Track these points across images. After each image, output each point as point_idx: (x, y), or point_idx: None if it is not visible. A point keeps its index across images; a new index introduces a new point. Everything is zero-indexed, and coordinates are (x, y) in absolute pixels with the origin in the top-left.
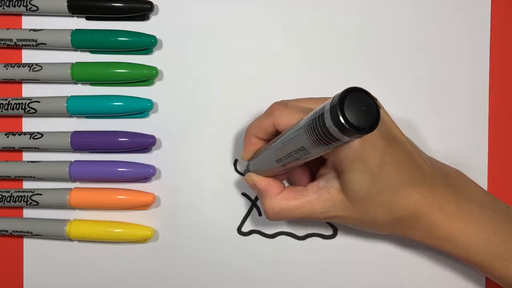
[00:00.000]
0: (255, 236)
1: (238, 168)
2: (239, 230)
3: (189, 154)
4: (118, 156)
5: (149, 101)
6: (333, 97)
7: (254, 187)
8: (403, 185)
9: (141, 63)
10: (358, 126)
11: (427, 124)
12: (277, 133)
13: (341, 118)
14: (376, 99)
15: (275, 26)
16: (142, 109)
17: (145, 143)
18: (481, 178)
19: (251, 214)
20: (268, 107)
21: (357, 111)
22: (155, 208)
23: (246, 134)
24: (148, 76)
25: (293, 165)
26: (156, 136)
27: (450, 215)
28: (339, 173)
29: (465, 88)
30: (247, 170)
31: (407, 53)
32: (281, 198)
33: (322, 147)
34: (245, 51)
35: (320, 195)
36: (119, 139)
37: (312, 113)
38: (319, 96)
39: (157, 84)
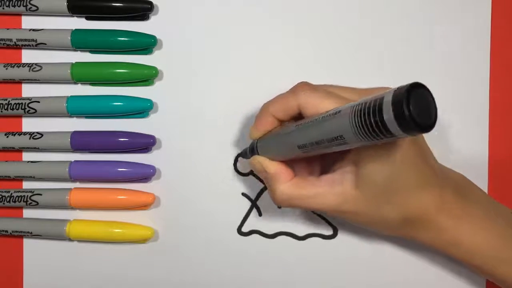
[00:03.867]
0: (255, 236)
1: (238, 168)
2: (239, 230)
3: (189, 154)
4: (118, 156)
5: (149, 101)
6: (396, 90)
7: (263, 172)
8: (417, 185)
9: (141, 63)
10: (420, 123)
11: None
12: (299, 116)
13: (406, 112)
14: (434, 99)
15: (275, 26)
16: (142, 109)
17: (145, 143)
18: (481, 179)
19: (251, 214)
20: (292, 87)
21: (419, 107)
22: (155, 208)
23: (262, 112)
24: (148, 76)
25: (315, 153)
26: (156, 136)
27: (456, 218)
28: (358, 166)
29: (465, 88)
30: (252, 149)
31: (407, 52)
32: (292, 184)
33: (366, 140)
34: (245, 51)
35: (334, 188)
36: (119, 139)
37: (361, 101)
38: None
39: (157, 84)
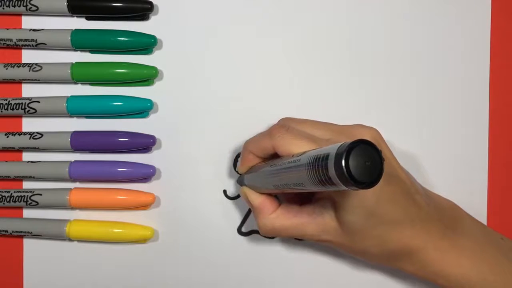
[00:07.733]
0: (255, 236)
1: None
2: (239, 230)
3: (189, 154)
4: (118, 156)
5: (149, 101)
6: (340, 146)
7: (249, 204)
8: (398, 221)
9: (141, 63)
10: (360, 180)
11: (426, 124)
12: (275, 154)
13: (344, 170)
14: (381, 152)
15: (275, 26)
16: (142, 109)
17: (145, 143)
18: (481, 179)
19: (250, 214)
20: (269, 127)
21: (361, 165)
22: (155, 208)
23: (243, 149)
24: (148, 76)
25: (290, 191)
26: (156, 136)
27: (443, 251)
28: (334, 203)
29: (465, 88)
30: (241, 180)
31: (407, 53)
32: (275, 216)
33: (321, 187)
34: (245, 51)
35: (314, 219)
36: (119, 139)
37: (315, 153)
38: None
39: (157, 84)
